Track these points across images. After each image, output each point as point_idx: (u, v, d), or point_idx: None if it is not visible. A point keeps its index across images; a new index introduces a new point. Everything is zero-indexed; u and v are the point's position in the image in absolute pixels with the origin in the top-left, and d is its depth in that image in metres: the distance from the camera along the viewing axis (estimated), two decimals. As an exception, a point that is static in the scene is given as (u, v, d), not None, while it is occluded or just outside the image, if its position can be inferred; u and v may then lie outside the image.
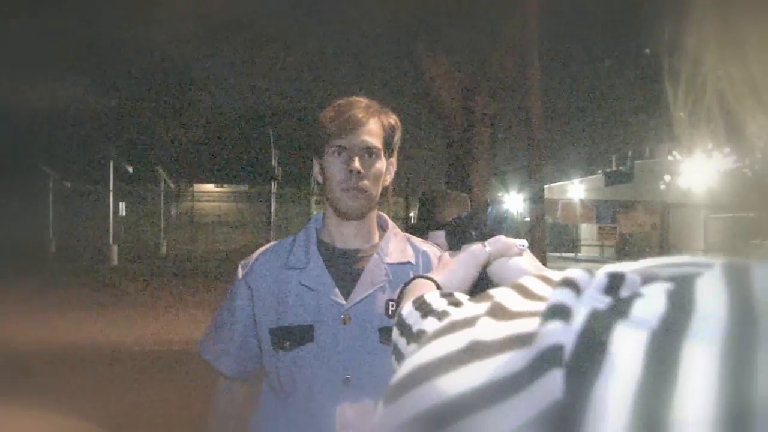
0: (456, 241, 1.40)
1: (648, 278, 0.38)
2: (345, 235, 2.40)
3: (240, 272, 2.46)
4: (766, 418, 0.31)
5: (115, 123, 30.22)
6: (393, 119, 2.40)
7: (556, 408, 0.35)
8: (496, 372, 0.38)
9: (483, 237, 1.28)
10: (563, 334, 0.36)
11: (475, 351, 0.40)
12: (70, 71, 28.16)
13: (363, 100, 2.37)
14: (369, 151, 2.30)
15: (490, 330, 0.40)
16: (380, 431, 0.45)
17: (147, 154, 30.68)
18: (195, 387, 9.34)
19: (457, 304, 0.79)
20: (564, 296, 0.37)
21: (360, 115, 2.30)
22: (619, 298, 0.37)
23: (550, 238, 21.70)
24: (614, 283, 0.38)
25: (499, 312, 0.41)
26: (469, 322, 0.42)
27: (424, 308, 0.79)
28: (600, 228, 33.98)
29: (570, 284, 0.38)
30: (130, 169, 30.36)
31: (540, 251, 17.39)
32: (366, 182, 2.30)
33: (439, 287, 0.98)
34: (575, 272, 0.40)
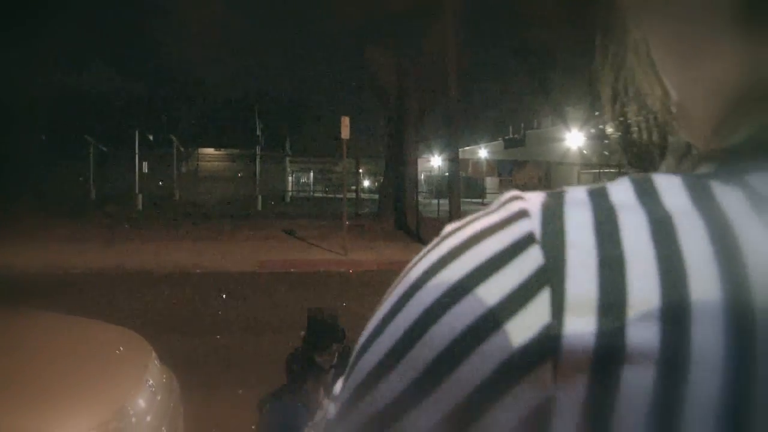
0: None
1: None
2: None
3: None
4: (694, 267, 0.33)
5: (140, 103, 29.85)
6: None
7: (540, 269, 0.34)
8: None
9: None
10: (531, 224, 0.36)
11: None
12: (107, 65, 27.79)
13: None
14: None
15: None
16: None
17: (163, 125, 30.32)
18: (198, 297, 9.47)
19: None
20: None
21: None
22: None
23: (463, 188, 21.83)
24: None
25: None
26: None
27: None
28: (500, 180, 34.28)
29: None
30: (151, 137, 30.01)
31: (456, 197, 17.58)
32: None
33: None
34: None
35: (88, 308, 6.06)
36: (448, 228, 0.41)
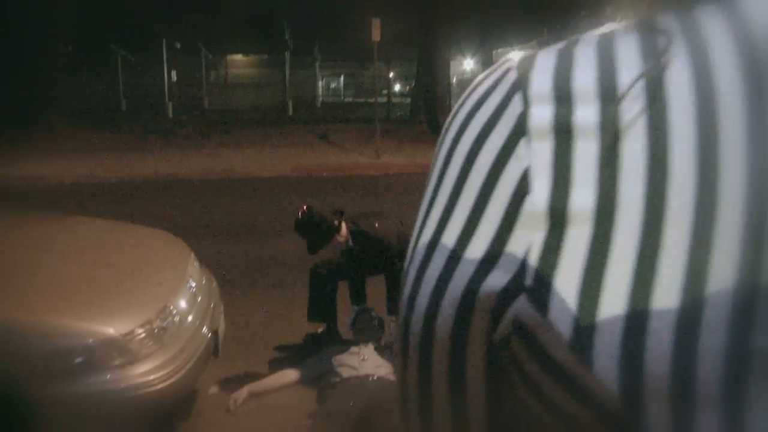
0: None
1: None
2: None
3: None
4: (622, 68, 0.44)
5: (166, 10, 29.54)
6: None
7: (515, 82, 0.47)
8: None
9: None
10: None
11: None
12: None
13: None
14: None
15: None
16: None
17: (190, 32, 30.05)
18: (231, 202, 9.60)
19: None
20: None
21: None
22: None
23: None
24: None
25: None
26: None
27: None
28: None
29: None
30: (178, 45, 29.84)
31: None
32: None
33: None
34: None
35: (125, 215, 6.19)
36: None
